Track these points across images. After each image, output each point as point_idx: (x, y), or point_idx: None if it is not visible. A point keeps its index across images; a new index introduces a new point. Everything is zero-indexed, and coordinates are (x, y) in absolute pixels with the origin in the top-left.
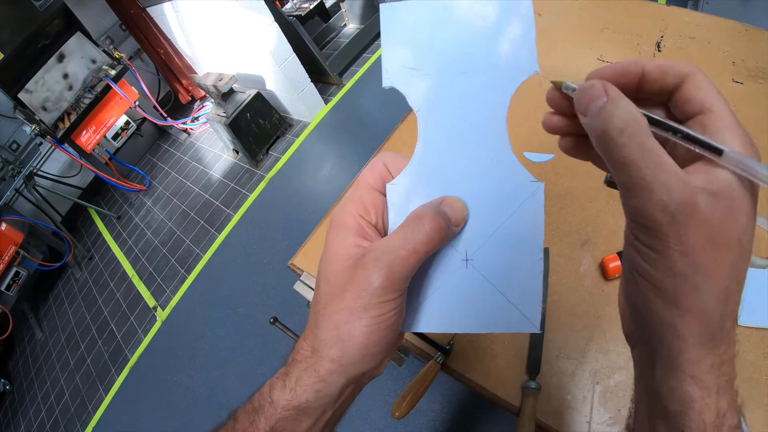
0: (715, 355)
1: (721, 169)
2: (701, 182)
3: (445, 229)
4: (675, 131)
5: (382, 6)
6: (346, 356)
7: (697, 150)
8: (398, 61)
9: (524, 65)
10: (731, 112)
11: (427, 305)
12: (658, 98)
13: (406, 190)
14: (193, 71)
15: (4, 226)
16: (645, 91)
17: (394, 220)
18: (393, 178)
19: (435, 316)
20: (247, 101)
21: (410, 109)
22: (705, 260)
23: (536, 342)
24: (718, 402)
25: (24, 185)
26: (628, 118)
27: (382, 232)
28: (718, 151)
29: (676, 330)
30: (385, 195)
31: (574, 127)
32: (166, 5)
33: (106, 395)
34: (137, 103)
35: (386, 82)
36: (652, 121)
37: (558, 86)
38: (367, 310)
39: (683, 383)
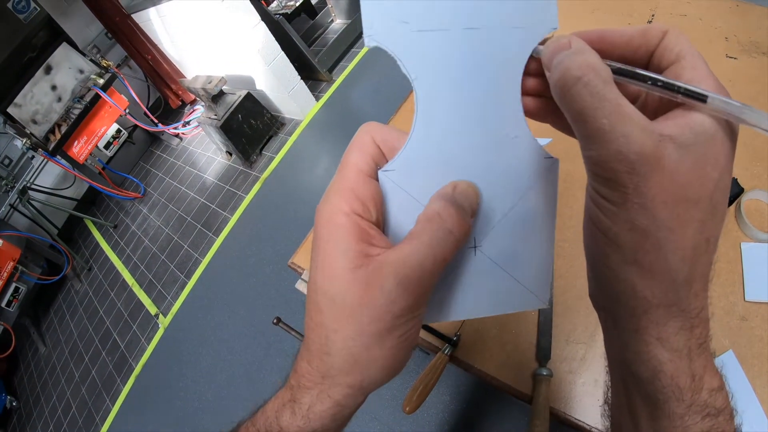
0: (683, 319)
1: (696, 120)
2: (671, 131)
3: (470, 226)
4: (653, 80)
5: None
6: (366, 380)
7: (678, 98)
8: (385, 13)
9: (542, 19)
10: (706, 64)
11: (436, 297)
12: (643, 64)
13: (406, 178)
14: (181, 75)
15: (0, 242)
16: (630, 58)
17: (397, 216)
18: (386, 158)
19: (445, 307)
20: (237, 102)
21: (403, 99)
22: (668, 215)
23: (545, 328)
24: (691, 365)
25: (18, 200)
26: (585, 67)
27: (382, 228)
28: (702, 98)
29: (635, 290)
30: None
31: (535, 85)
32: (151, 11)
33: (113, 406)
34: (127, 110)
35: (369, 41)
36: (626, 73)
37: None
38: (391, 332)
39: (649, 346)
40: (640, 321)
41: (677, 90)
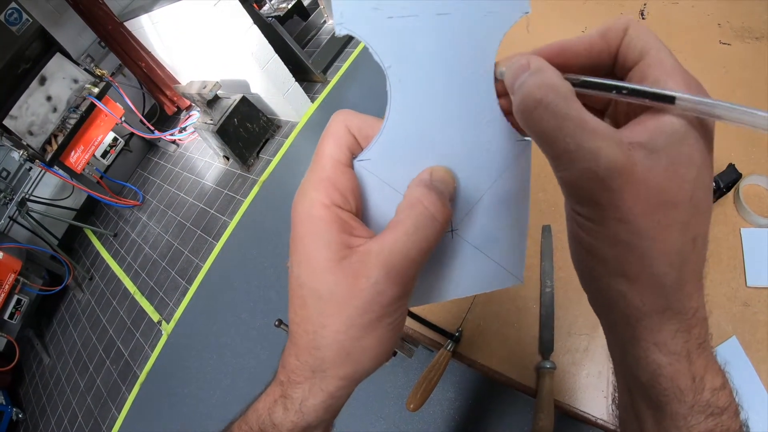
0: (679, 321)
1: (666, 122)
2: (640, 137)
3: (451, 212)
4: (617, 89)
5: None
6: (359, 371)
7: (646, 103)
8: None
9: (514, 3)
10: (672, 57)
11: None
12: (608, 67)
13: (382, 166)
14: (176, 81)
15: (1, 254)
16: (595, 64)
17: (375, 205)
18: (361, 146)
19: (425, 290)
20: (233, 106)
21: None
22: (648, 224)
23: (547, 321)
24: (691, 367)
25: (17, 212)
26: (544, 88)
27: (361, 217)
28: (670, 99)
29: (626, 300)
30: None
31: (508, 106)
32: (143, 18)
33: (119, 414)
34: (123, 118)
35: (340, 29)
36: (589, 85)
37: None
38: (380, 321)
39: (647, 351)
40: (635, 329)
41: (644, 95)
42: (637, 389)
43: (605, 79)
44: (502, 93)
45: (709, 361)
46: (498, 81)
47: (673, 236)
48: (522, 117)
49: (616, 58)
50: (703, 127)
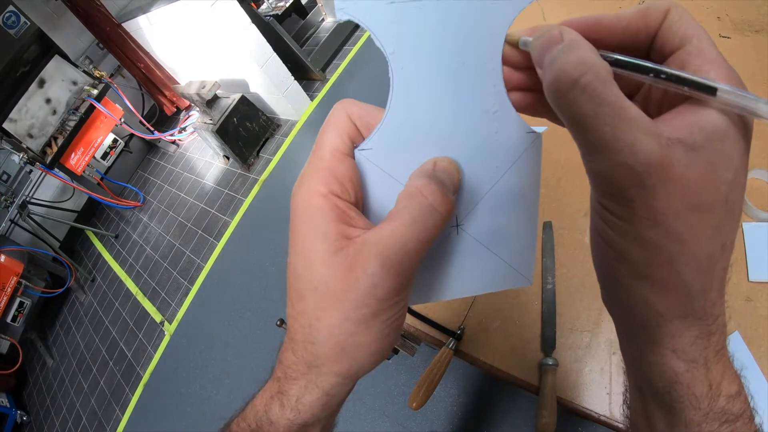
0: (700, 327)
1: (707, 118)
2: (679, 133)
3: (453, 204)
4: (656, 72)
5: None
6: (354, 367)
7: (684, 91)
8: None
9: None
10: (715, 47)
11: (419, 278)
12: (644, 50)
13: (384, 156)
14: (175, 82)
15: (3, 257)
16: (630, 45)
17: (376, 196)
18: (363, 136)
19: (429, 288)
20: (232, 106)
21: None
22: (680, 227)
23: (549, 318)
24: (708, 374)
25: (18, 215)
26: (582, 65)
27: (362, 209)
28: (711, 90)
29: (648, 304)
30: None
31: (526, 80)
32: (141, 18)
33: (123, 415)
34: (123, 120)
35: (341, 14)
36: (625, 65)
37: (514, 43)
38: (376, 317)
39: (664, 357)
40: (654, 334)
41: (683, 82)
42: (650, 393)
43: (643, 60)
44: (523, 66)
45: (726, 368)
46: (520, 52)
47: (704, 241)
48: (553, 98)
49: (653, 41)
50: (743, 126)
